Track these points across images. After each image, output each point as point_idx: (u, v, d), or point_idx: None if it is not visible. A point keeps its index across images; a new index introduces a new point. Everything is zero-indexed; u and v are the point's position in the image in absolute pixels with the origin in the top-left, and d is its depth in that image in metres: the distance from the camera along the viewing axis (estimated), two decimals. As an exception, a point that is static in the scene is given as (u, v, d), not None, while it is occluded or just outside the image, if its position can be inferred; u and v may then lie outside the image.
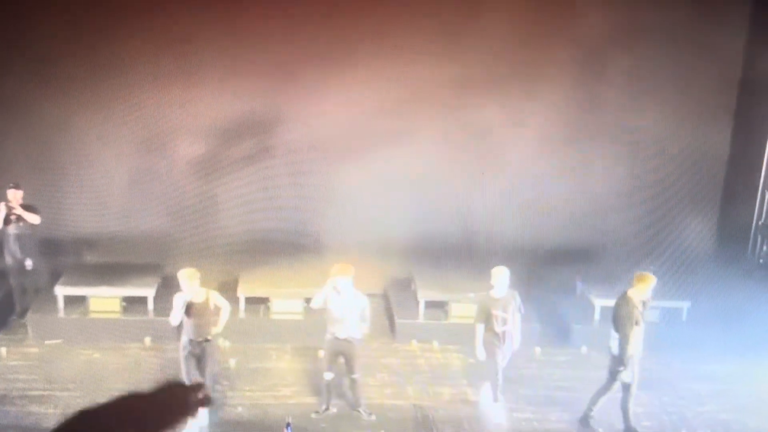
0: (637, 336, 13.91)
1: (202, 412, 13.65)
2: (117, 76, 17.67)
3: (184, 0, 17.69)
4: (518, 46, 18.09)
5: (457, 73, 18.25)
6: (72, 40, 17.44)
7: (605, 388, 14.34)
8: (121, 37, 17.49)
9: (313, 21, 17.85)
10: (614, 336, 13.99)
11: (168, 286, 17.45)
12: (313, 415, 14.45)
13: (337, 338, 14.17)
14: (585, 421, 14.57)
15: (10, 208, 16.84)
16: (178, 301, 13.75)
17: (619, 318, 13.91)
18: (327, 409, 14.40)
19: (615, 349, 13.99)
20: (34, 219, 16.98)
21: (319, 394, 14.76)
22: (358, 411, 14.64)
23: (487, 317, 14.35)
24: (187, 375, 13.97)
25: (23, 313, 17.35)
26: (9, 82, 17.58)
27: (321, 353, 16.17)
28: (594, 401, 14.48)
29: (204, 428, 13.73)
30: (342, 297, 14.09)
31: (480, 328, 14.44)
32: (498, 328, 14.31)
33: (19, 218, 16.91)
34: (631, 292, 13.92)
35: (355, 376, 14.51)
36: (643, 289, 13.93)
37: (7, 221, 16.90)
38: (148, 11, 17.50)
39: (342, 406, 14.89)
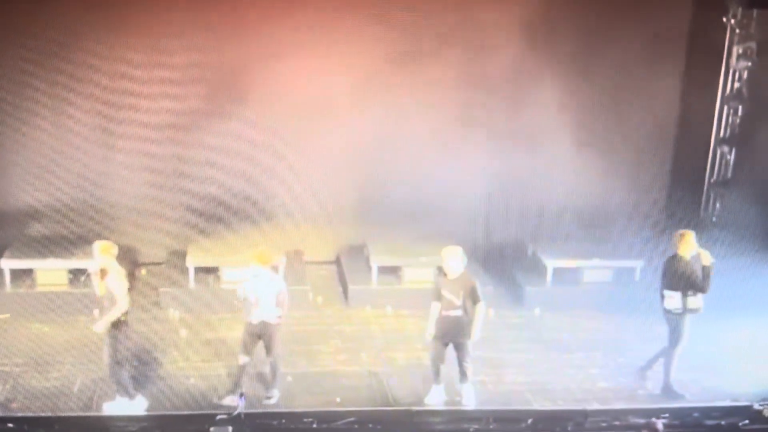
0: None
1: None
2: (67, 35, 17.36)
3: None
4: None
5: (414, 43, 18.31)
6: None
7: (673, 347, 14.46)
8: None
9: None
10: (670, 294, 14.21)
11: (119, 259, 17.38)
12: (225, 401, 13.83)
13: (251, 323, 13.78)
14: (668, 389, 14.59)
15: None
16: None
17: (676, 276, 14.18)
18: (242, 394, 13.41)
19: (673, 305, 14.20)
20: None
21: (223, 391, 14.07)
22: (269, 396, 14.12)
23: (438, 296, 13.87)
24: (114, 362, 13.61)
25: None
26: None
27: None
28: (668, 368, 14.57)
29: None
30: (257, 281, 13.76)
31: (434, 306, 13.92)
32: (444, 311, 13.82)
33: None
34: (681, 251, 14.15)
35: (272, 359, 14.02)
36: (688, 245, 14.16)
37: None
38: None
39: (296, 374, 14.88)
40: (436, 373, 14.13)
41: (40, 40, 17.23)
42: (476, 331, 13.68)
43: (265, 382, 14.23)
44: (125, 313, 13.32)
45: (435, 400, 14.15)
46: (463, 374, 14.07)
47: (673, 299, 14.23)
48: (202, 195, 18.43)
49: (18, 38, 17.29)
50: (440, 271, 14.08)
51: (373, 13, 17.99)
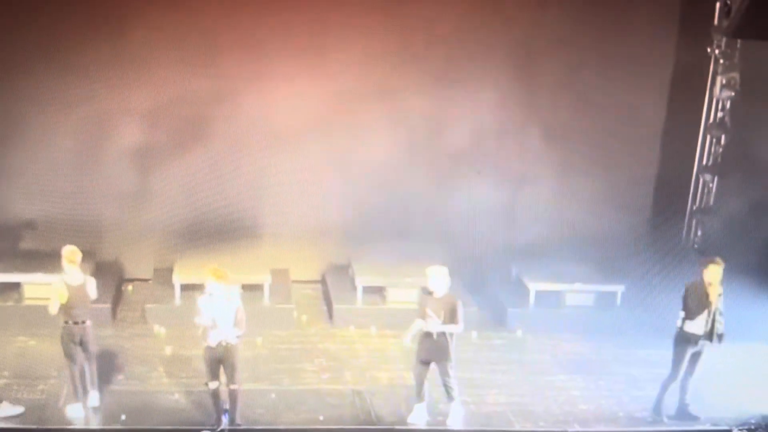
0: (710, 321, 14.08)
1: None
2: (51, 59, 17.32)
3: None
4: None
5: (398, 64, 18.32)
6: (10, 20, 17.28)
7: (689, 371, 14.43)
8: (58, 20, 17.32)
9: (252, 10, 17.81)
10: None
11: (102, 272, 17.39)
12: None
13: (209, 346, 13.20)
14: (683, 411, 14.60)
15: None
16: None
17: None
18: (226, 410, 13.33)
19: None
20: None
21: (209, 406, 13.84)
22: (238, 425, 13.50)
23: (423, 315, 13.77)
24: (71, 357, 13.67)
25: None
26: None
27: (258, 339, 16.29)
28: (684, 389, 14.57)
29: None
30: (213, 301, 13.17)
31: (416, 322, 13.83)
32: (426, 327, 13.72)
33: None
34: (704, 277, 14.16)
35: (234, 386, 13.42)
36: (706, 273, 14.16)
37: None
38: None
39: (279, 392, 14.88)
40: (419, 392, 14.08)
41: (37, 59, 17.29)
42: (437, 326, 13.55)
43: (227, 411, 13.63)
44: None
45: (418, 419, 14.10)
46: (448, 394, 14.02)
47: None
48: (189, 213, 18.38)
49: (15, 56, 17.35)
50: (425, 290, 14.01)
51: (361, 35, 18.10)
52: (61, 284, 13.38)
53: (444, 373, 13.89)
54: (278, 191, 18.53)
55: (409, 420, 14.13)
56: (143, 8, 17.49)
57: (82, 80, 17.57)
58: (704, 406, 14.72)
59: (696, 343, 14.15)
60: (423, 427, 14.04)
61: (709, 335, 14.09)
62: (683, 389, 14.56)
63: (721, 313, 14.13)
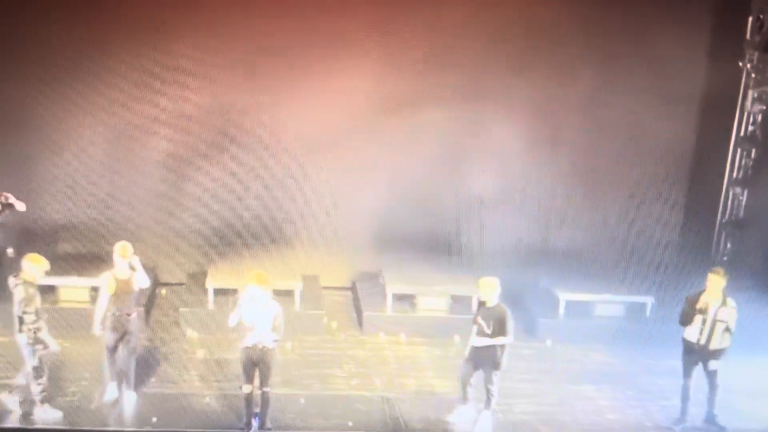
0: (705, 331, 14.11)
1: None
2: (89, 68, 17.51)
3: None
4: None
5: (430, 75, 18.33)
6: (45, 30, 17.37)
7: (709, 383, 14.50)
8: (95, 28, 17.42)
9: (283, 19, 17.85)
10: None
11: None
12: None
13: (247, 347, 13.28)
14: (711, 420, 14.57)
15: (5, 197, 16.60)
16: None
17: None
18: (257, 414, 13.42)
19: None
20: (22, 207, 16.72)
21: (240, 409, 13.82)
22: (268, 428, 13.63)
23: (475, 322, 13.93)
24: (108, 346, 14.07)
25: None
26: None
27: (288, 345, 16.24)
28: (711, 402, 14.55)
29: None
30: (254, 305, 13.25)
31: (473, 329, 13.98)
32: (474, 338, 13.89)
33: (5, 207, 16.64)
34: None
35: (266, 389, 13.48)
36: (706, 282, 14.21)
37: None
38: (123, 3, 17.46)
39: (309, 396, 14.86)
40: (464, 394, 14.23)
41: (72, 67, 17.50)
42: (483, 341, 13.75)
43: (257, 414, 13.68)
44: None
45: (457, 418, 14.24)
46: (486, 400, 14.09)
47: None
48: (223, 219, 18.50)
49: (53, 64, 17.51)
50: (481, 300, 14.14)
51: (393, 47, 18.20)
52: (110, 277, 13.85)
53: (488, 380, 13.96)
54: (310, 199, 18.66)
55: (449, 419, 14.24)
56: (180, 19, 17.60)
57: (120, 88, 17.74)
58: (730, 417, 14.65)
59: (693, 351, 14.24)
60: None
61: (704, 346, 14.15)
62: (708, 401, 14.50)
63: (727, 329, 14.08)
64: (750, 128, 19.21)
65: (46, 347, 13.48)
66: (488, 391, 14.01)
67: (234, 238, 18.34)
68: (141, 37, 17.56)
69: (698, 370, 14.38)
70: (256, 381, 13.44)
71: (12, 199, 16.73)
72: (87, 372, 14.81)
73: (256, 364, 13.35)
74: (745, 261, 18.88)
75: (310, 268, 18.44)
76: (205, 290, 17.52)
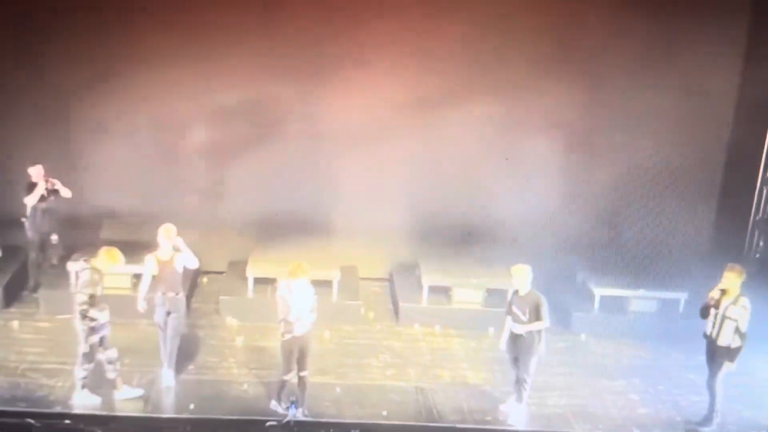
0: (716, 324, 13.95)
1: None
2: (137, 61, 17.52)
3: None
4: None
5: (465, 68, 18.08)
6: (96, 21, 17.34)
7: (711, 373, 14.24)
8: (141, 22, 17.41)
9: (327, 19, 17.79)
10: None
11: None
12: (281, 411, 13.62)
13: (295, 336, 13.27)
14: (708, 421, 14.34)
15: (52, 183, 16.78)
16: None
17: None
18: (293, 402, 13.34)
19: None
20: (68, 193, 16.88)
21: (277, 397, 13.82)
22: (306, 415, 13.64)
23: (510, 311, 13.96)
24: (160, 325, 14.34)
25: (36, 288, 17.29)
26: (30, 64, 17.51)
27: (326, 333, 16.30)
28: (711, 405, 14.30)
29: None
30: (295, 296, 13.32)
31: (507, 320, 14.03)
32: (513, 325, 13.89)
33: (51, 193, 16.80)
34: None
35: (304, 373, 13.63)
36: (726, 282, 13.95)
37: (41, 197, 16.76)
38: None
39: (345, 386, 14.81)
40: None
41: (124, 60, 17.62)
42: (524, 328, 13.71)
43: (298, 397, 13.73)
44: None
45: (508, 408, 14.32)
46: (518, 389, 14.12)
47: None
48: (263, 210, 18.38)
49: (102, 57, 17.56)
50: (514, 289, 14.06)
51: (426, 44, 17.99)
52: (152, 258, 14.17)
53: (524, 369, 13.96)
54: (350, 191, 18.56)
55: (502, 407, 14.32)
56: (230, 17, 17.58)
57: (166, 81, 17.69)
58: (762, 413, 14.70)
59: (707, 342, 14.08)
60: (485, 426, 13.93)
61: (713, 340, 13.96)
62: (708, 402, 14.32)
63: (737, 331, 13.80)
64: (785, 129, 18.92)
65: (96, 326, 13.46)
66: (523, 381, 14.00)
67: (274, 228, 18.18)
68: (185, 30, 17.53)
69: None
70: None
71: (58, 185, 16.90)
72: (127, 358, 14.61)
73: (299, 352, 13.48)
74: None
75: (349, 259, 18.31)
76: (245, 279, 17.40)
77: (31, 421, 12.60)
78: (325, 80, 17.98)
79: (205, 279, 18.72)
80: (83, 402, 13.55)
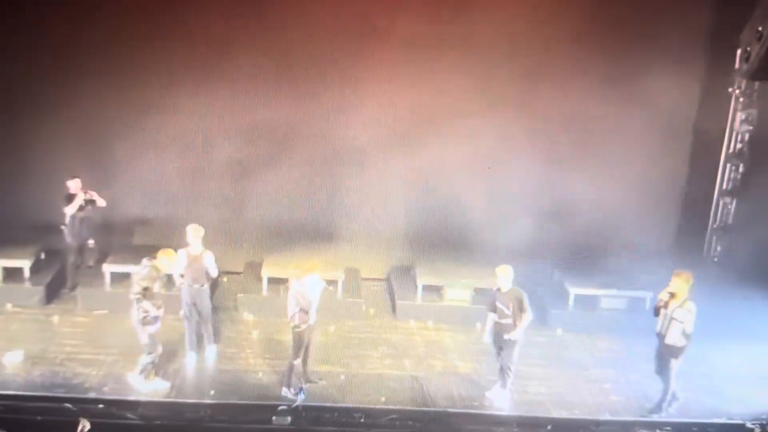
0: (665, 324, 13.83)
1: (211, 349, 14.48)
2: (165, 83, 17.43)
3: (223, 11, 17.37)
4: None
5: (458, 78, 17.82)
6: (124, 48, 17.17)
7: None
8: (164, 44, 17.27)
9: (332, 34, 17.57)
10: None
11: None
12: (291, 396, 13.71)
13: (310, 326, 13.80)
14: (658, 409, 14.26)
15: (90, 194, 16.73)
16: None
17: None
18: (302, 388, 13.28)
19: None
20: (103, 202, 16.86)
21: (288, 382, 14.05)
22: (312, 381, 14.27)
23: (492, 306, 13.98)
24: (186, 315, 14.79)
25: (74, 287, 17.18)
26: (66, 85, 17.33)
27: (331, 328, 16.30)
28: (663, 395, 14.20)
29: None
30: (308, 291, 13.71)
31: (489, 316, 14.07)
32: (499, 319, 13.88)
33: (88, 203, 16.72)
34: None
35: (306, 357, 14.22)
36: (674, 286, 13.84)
37: (79, 207, 16.68)
38: (190, 20, 17.25)
39: (348, 374, 14.85)
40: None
41: (149, 73, 17.51)
42: (519, 332, 13.81)
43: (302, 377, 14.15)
44: None
45: (494, 395, 14.32)
46: (502, 377, 14.14)
47: None
48: (277, 217, 18.27)
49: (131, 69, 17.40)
50: (496, 287, 14.05)
51: (427, 62, 17.75)
52: (184, 252, 14.55)
53: (507, 357, 13.98)
54: (353, 200, 18.35)
55: (488, 395, 14.33)
56: (252, 35, 17.39)
57: (189, 99, 17.50)
58: (722, 401, 14.50)
59: (658, 339, 13.99)
60: (471, 411, 13.92)
61: (662, 337, 13.85)
62: (661, 394, 14.24)
63: (683, 332, 13.64)
64: (738, 145, 19.03)
65: (150, 317, 13.54)
66: (507, 369, 14.02)
67: (287, 234, 18.12)
68: (211, 49, 17.39)
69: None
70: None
71: (95, 196, 16.84)
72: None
73: (308, 340, 13.98)
74: (733, 262, 18.70)
75: (352, 261, 18.26)
76: (260, 278, 17.30)
77: (69, 405, 12.52)
78: (328, 102, 17.79)
79: (225, 279, 18.50)
80: (149, 389, 13.72)
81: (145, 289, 13.37)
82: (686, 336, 13.60)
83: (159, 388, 13.77)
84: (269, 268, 17.38)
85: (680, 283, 13.66)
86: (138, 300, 13.33)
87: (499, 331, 13.95)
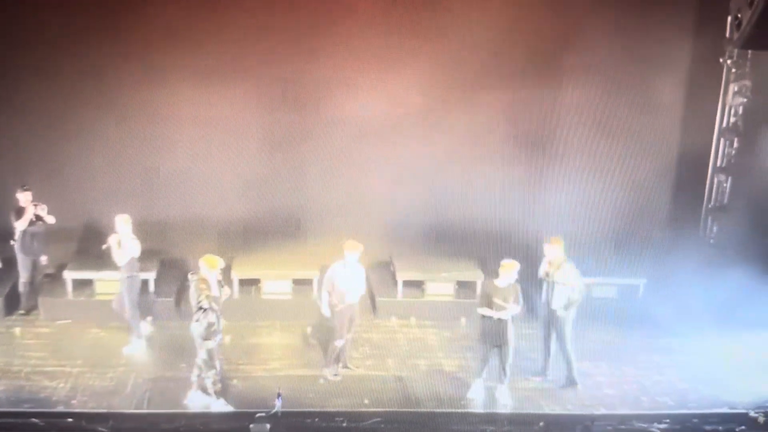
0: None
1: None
2: (111, 74, 17.60)
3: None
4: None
5: (438, 75, 18.23)
6: (79, 36, 17.29)
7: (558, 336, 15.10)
8: (127, 31, 17.38)
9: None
10: None
11: (167, 269, 17.68)
12: (331, 377, 15.00)
13: (350, 305, 14.88)
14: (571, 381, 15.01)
15: (41, 209, 16.59)
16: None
17: None
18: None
19: None
20: (52, 219, 16.71)
21: (329, 362, 15.09)
22: (348, 367, 15.29)
23: (488, 302, 14.25)
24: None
25: (29, 310, 17.21)
26: (11, 82, 17.53)
27: (309, 329, 16.51)
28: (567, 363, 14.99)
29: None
30: (348, 270, 14.91)
31: (481, 312, 14.34)
32: (496, 315, 14.16)
33: (38, 218, 16.61)
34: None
35: (350, 335, 15.19)
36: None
37: (30, 222, 16.59)
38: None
39: (327, 374, 15.05)
40: (481, 370, 14.61)
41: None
42: (512, 311, 14.25)
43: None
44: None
45: (475, 394, 14.61)
46: (503, 375, 14.45)
47: None
48: (246, 214, 18.59)
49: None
50: (489, 282, 14.54)
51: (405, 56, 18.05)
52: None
53: (506, 357, 14.34)
54: (327, 196, 18.68)
55: (470, 395, 14.58)
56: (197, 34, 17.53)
57: (141, 91, 17.75)
58: (723, 391, 14.74)
59: (545, 313, 15.03)
60: (459, 410, 14.15)
61: (548, 303, 14.88)
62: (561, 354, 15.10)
63: (569, 298, 14.70)
64: (732, 119, 19.26)
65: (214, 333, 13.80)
66: (504, 369, 14.39)
67: (254, 232, 18.50)
68: (216, 41, 17.59)
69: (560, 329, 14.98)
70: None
71: (43, 212, 16.64)
72: (122, 359, 15.11)
73: (350, 319, 15.03)
74: (730, 242, 18.83)
75: (327, 258, 18.21)
76: (230, 280, 17.32)
77: (36, 420, 12.68)
78: (302, 98, 18.20)
79: (189, 276, 18.80)
80: (216, 406, 13.85)
81: (209, 297, 13.65)
82: (572, 301, 14.62)
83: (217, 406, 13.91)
84: (239, 269, 17.60)
85: (554, 249, 14.78)
86: (204, 313, 13.55)
87: (495, 329, 14.21)
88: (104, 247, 15.37)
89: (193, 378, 13.87)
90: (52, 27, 17.27)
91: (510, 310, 14.10)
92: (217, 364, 13.93)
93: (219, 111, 18.06)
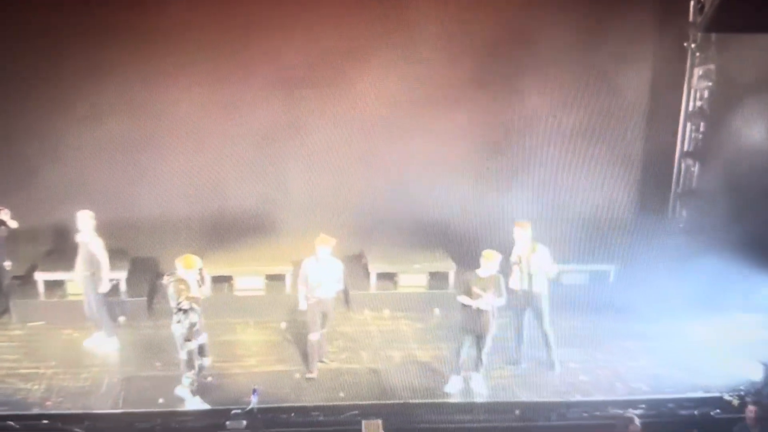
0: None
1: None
2: (73, 73, 17.45)
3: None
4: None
5: (411, 73, 18.40)
6: (38, 34, 17.25)
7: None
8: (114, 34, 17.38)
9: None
10: None
11: (137, 268, 17.68)
12: (308, 375, 15.08)
13: (322, 300, 14.89)
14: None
15: (4, 212, 16.23)
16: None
17: None
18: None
19: None
20: (15, 224, 16.36)
21: (311, 361, 15.13)
22: (323, 361, 15.37)
23: (467, 291, 14.36)
24: None
25: (1, 314, 17.20)
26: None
27: (283, 325, 16.65)
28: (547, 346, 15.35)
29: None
30: (319, 265, 14.88)
31: (460, 300, 14.47)
32: (473, 304, 14.26)
33: (1, 222, 16.31)
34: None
35: (324, 330, 15.25)
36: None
37: None
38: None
39: (303, 371, 15.18)
40: (458, 365, 14.71)
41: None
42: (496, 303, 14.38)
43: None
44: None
45: (453, 388, 14.71)
46: (479, 364, 14.62)
47: None
48: (217, 212, 18.61)
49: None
50: (470, 272, 14.58)
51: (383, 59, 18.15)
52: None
53: (482, 346, 14.49)
54: (297, 190, 18.74)
55: (446, 389, 14.70)
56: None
57: (113, 91, 17.59)
58: (697, 375, 14.99)
59: (520, 299, 15.16)
60: (435, 400, 14.32)
61: (527, 291, 15.11)
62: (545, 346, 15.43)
63: (547, 277, 15.08)
64: (698, 103, 19.39)
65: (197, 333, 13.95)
66: (483, 356, 14.57)
67: (228, 229, 18.49)
68: (183, 39, 17.56)
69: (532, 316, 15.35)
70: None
71: (7, 216, 16.33)
72: (97, 360, 15.25)
73: (323, 313, 15.08)
74: (699, 227, 19.06)
75: (299, 253, 18.27)
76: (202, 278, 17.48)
77: (11, 423, 12.75)
78: (278, 94, 18.22)
79: (165, 279, 18.87)
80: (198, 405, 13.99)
81: (189, 298, 13.68)
82: (549, 279, 14.98)
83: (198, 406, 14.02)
84: (211, 266, 17.36)
85: (523, 233, 15.05)
86: (185, 312, 13.63)
87: (475, 319, 14.32)
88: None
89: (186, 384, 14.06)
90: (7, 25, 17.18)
91: (487, 299, 14.16)
92: (197, 364, 13.98)
93: (186, 108, 17.99)
